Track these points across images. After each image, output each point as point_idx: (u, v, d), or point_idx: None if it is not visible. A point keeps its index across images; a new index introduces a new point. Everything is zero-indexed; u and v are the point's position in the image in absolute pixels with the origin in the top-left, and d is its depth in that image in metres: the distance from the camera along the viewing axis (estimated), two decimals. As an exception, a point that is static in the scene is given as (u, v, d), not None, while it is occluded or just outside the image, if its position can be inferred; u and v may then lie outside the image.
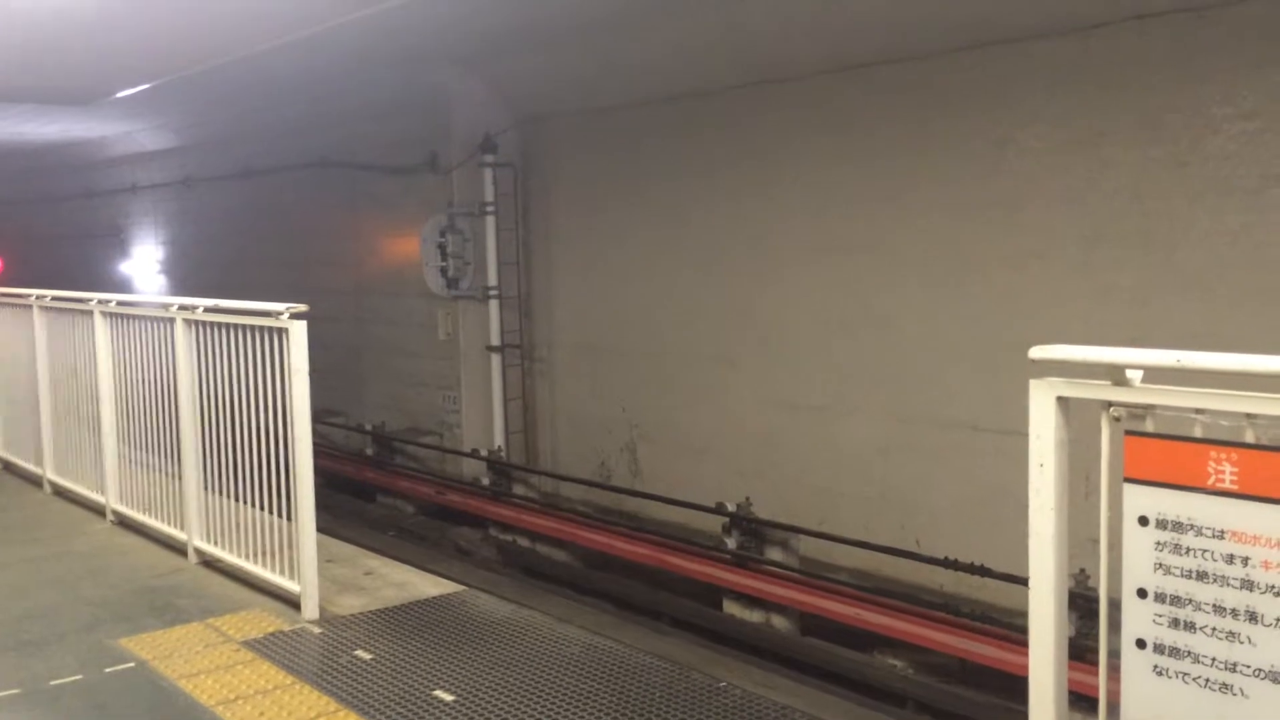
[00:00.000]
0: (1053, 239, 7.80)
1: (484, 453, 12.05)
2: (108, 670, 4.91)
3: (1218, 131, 6.91)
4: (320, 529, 5.60)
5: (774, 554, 9.06)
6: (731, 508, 9.19)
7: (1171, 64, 7.10)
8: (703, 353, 10.47)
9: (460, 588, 6.09)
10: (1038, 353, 2.52)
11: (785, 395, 9.71)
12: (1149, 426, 2.43)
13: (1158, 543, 2.41)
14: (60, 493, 8.24)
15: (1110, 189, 7.47)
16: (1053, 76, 7.71)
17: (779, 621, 8.75)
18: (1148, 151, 7.24)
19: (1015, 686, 7.02)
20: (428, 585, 6.10)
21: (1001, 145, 8.06)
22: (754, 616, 8.86)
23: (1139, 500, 2.44)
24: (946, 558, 7.77)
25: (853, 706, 7.11)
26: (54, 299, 8.15)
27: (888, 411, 8.89)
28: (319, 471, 5.58)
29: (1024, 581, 7.39)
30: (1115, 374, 2.44)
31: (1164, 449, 2.38)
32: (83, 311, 7.63)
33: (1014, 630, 7.22)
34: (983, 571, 7.52)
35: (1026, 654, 7.14)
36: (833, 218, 9.24)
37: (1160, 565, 2.41)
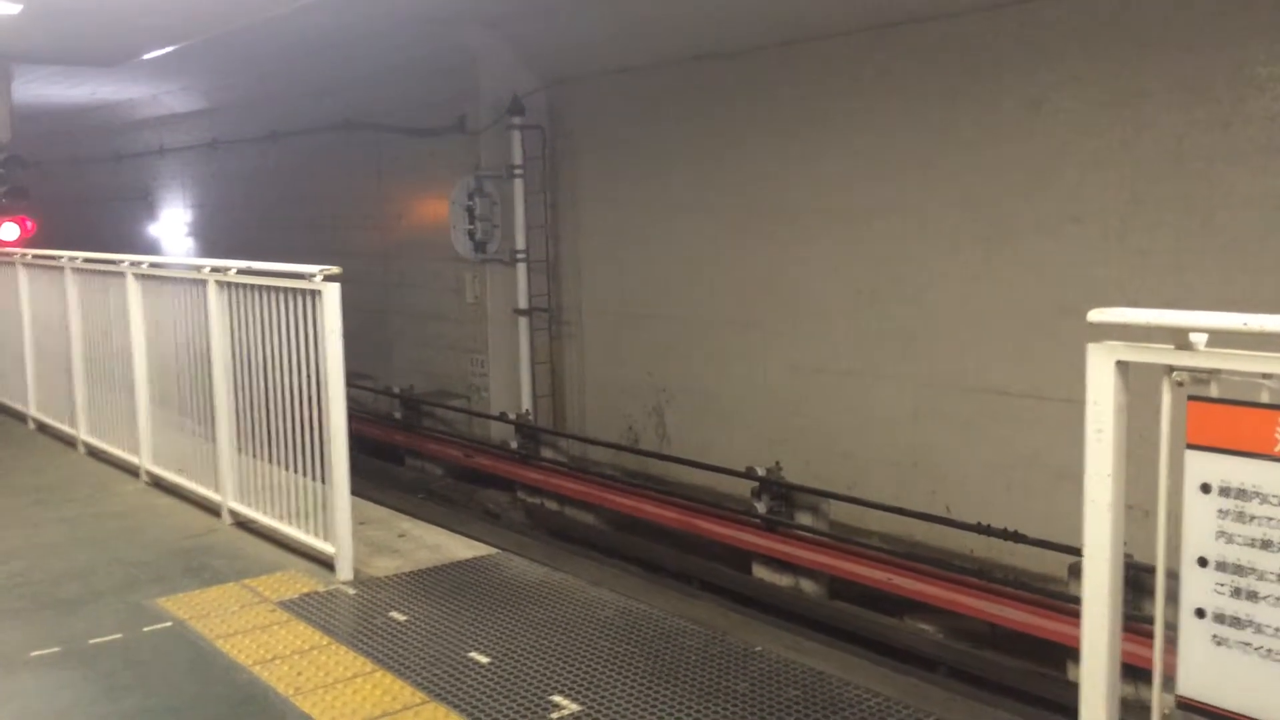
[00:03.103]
0: (1088, 203, 7.67)
1: (512, 416, 12.07)
2: (146, 630, 4.95)
3: (1262, 91, 6.76)
4: (352, 491, 5.60)
5: (804, 519, 9.05)
6: (761, 472, 9.17)
7: (1214, 22, 6.94)
8: (730, 317, 10.41)
9: (493, 550, 6.09)
10: (1096, 315, 2.45)
11: (814, 360, 9.65)
12: (1213, 392, 2.37)
13: (1220, 510, 2.36)
14: (94, 453, 8.30)
15: (1149, 151, 7.33)
16: (1090, 35, 7.56)
17: (808, 586, 8.74)
18: (1189, 113, 7.10)
19: (1046, 652, 7.01)
20: (461, 548, 6.11)
21: (1036, 106, 7.92)
22: (783, 581, 8.86)
23: (1201, 467, 2.39)
24: (978, 523, 7.73)
25: (885, 671, 7.09)
26: (85, 261, 8.16)
27: (918, 377, 8.82)
28: (348, 434, 5.58)
29: (1056, 547, 7.31)
30: (1179, 338, 2.38)
31: (1229, 415, 2.33)
32: (115, 274, 7.64)
33: (1045, 595, 7.19)
34: (1015, 537, 7.48)
35: (1057, 619, 7.03)
36: (862, 181, 9.12)
37: (1222, 533, 2.36)
